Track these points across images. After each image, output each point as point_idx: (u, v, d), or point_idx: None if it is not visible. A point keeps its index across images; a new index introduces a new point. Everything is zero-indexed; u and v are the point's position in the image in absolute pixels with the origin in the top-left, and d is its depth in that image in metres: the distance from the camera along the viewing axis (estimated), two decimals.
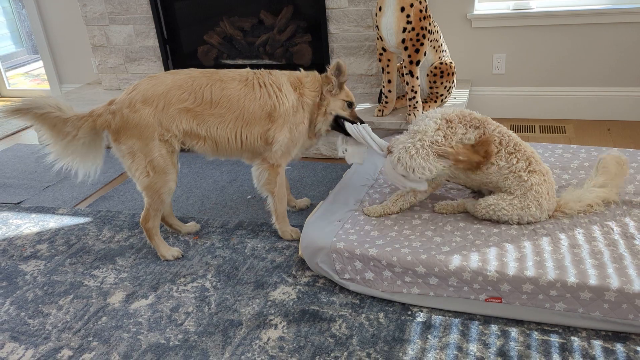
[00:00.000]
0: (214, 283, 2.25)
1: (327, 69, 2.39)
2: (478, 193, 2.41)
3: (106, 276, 2.37)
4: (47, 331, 2.06)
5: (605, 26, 3.37)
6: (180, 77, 2.29)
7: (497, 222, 2.20)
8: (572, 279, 1.82)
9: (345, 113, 2.43)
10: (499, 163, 2.14)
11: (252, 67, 3.84)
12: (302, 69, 2.49)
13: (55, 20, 4.56)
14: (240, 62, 3.95)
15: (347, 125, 2.39)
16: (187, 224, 2.66)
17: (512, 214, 2.15)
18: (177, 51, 4.04)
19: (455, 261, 1.95)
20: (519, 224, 2.17)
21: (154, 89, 2.24)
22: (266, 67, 3.84)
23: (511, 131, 2.22)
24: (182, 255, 2.45)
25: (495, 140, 2.14)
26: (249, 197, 2.99)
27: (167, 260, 2.43)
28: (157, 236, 2.41)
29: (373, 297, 2.09)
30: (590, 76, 3.52)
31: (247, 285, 2.22)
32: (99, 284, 2.32)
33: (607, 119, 3.59)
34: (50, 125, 2.20)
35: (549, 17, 3.43)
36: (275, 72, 2.40)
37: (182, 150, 2.37)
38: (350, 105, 2.43)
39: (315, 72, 2.45)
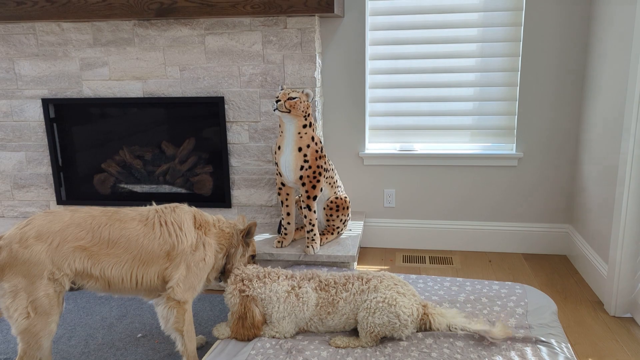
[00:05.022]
0: None
1: (237, 228, 2.51)
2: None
3: None
4: None
5: (479, 168, 3.79)
6: (79, 214, 2.22)
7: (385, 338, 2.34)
8: None
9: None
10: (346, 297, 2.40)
11: (152, 194, 3.84)
12: (221, 217, 2.54)
13: None
14: (138, 188, 3.91)
15: None
16: None
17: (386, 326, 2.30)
18: (72, 178, 3.93)
19: None
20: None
21: (50, 225, 2.15)
22: (166, 195, 3.86)
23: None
24: None
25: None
26: (140, 335, 2.81)
27: None
28: None
29: None
30: (470, 211, 3.87)
31: None
32: None
33: (488, 250, 3.90)
34: None
35: (431, 159, 3.80)
36: (180, 209, 2.39)
37: (71, 289, 2.23)
38: (253, 257, 2.56)
39: (225, 225, 2.49)
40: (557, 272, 3.54)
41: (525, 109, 3.65)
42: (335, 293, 2.40)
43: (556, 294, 3.21)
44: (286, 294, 2.36)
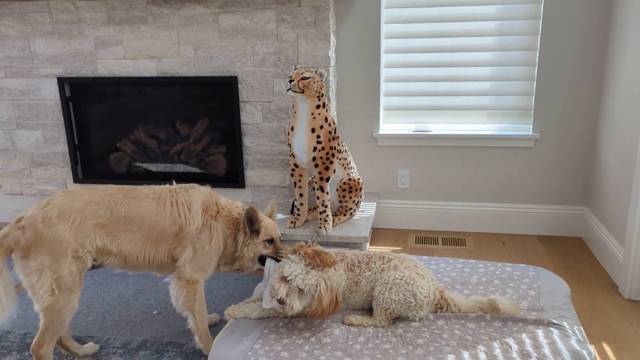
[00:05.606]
0: None
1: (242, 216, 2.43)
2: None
3: None
4: None
5: (495, 149, 3.74)
6: (97, 192, 2.26)
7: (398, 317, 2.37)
8: None
9: (267, 251, 2.43)
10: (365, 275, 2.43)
11: (166, 174, 3.87)
12: (238, 203, 2.49)
13: None
14: (153, 167, 3.94)
15: (267, 264, 2.42)
16: (84, 345, 2.48)
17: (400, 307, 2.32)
18: (88, 157, 3.97)
19: None
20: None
21: (71, 204, 2.19)
22: (180, 174, 3.88)
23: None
24: None
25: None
26: (155, 312, 2.86)
27: None
28: None
29: None
30: (485, 193, 3.85)
31: None
32: None
33: (502, 232, 3.88)
34: None
35: (446, 139, 3.76)
36: (194, 190, 2.38)
37: (92, 266, 2.28)
38: (271, 241, 2.43)
39: (237, 210, 2.42)
40: (571, 254, 3.51)
41: (543, 89, 3.58)
42: (360, 272, 2.43)
43: (570, 277, 3.19)
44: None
